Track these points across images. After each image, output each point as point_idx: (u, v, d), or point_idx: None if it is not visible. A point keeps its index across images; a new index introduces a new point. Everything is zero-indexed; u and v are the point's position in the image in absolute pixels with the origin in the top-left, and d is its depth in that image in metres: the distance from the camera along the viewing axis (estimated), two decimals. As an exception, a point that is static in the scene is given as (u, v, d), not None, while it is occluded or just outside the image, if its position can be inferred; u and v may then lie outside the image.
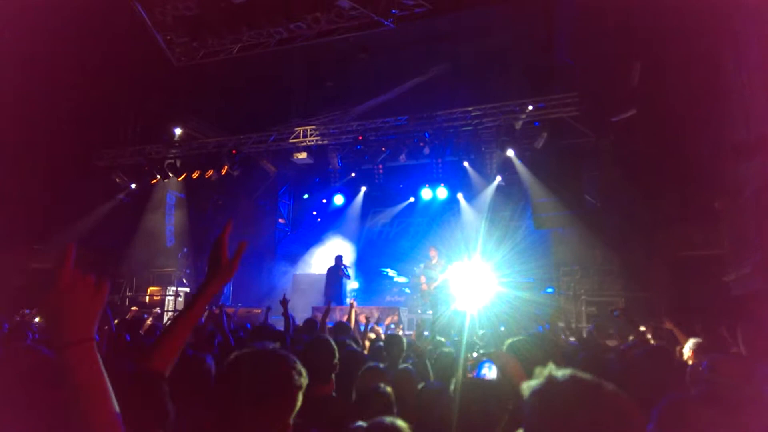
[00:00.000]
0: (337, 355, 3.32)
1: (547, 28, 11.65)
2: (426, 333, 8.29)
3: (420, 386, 3.12)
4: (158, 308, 12.77)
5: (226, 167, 13.42)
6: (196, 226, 16.08)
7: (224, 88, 14.05)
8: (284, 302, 6.52)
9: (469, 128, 11.90)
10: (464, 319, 6.77)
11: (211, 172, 13.62)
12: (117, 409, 1.22)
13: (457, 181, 13.96)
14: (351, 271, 13.98)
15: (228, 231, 1.81)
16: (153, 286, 14.21)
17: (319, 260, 15.94)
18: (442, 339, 5.89)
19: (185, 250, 15.71)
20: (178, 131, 15.07)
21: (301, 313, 10.73)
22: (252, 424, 1.54)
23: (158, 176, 14.14)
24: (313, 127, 13.18)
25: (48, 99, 11.69)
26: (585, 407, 1.20)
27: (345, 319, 7.71)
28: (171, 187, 15.64)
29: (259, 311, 12.40)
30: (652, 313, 8.12)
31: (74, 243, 1.34)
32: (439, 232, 14.53)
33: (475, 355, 4.06)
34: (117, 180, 14.41)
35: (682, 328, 5.48)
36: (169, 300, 13.74)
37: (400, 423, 1.90)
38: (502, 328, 7.18)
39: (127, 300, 13.73)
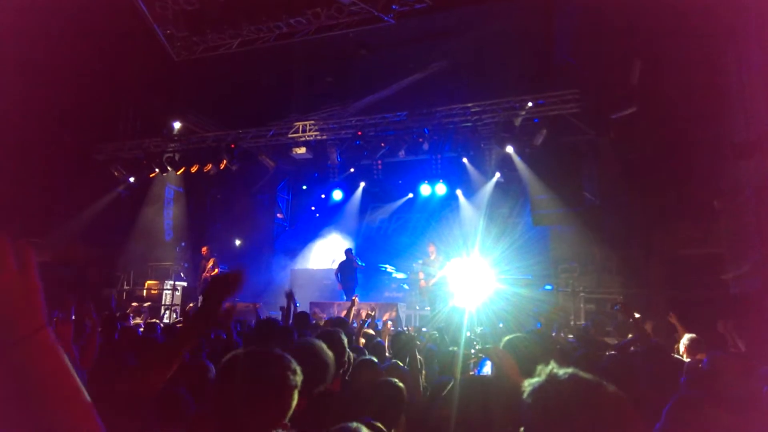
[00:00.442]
0: (347, 351, 3.30)
1: (548, 24, 11.62)
2: (424, 329, 8.31)
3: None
4: (148, 303, 12.77)
5: (224, 161, 13.41)
6: (195, 220, 16.07)
7: (224, 82, 14.00)
8: (289, 294, 6.40)
9: (469, 124, 11.89)
10: (462, 316, 6.77)
11: (209, 167, 13.60)
12: (88, 398, 1.06)
13: (456, 178, 13.95)
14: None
15: (237, 281, 1.75)
16: (151, 279, 14.20)
17: (317, 255, 15.95)
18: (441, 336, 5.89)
19: (183, 244, 15.70)
20: (177, 125, 15.04)
21: (299, 309, 10.71)
22: (249, 424, 1.53)
23: (157, 170, 14.13)
24: (312, 122, 13.16)
25: (47, 93, 11.64)
26: (585, 407, 1.20)
27: (344, 314, 7.69)
28: (169, 181, 15.62)
29: (258, 306, 12.40)
30: (651, 311, 8.13)
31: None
32: (438, 228, 14.52)
33: (472, 351, 4.07)
34: (115, 173, 14.38)
35: (685, 323, 5.49)
36: (166, 294, 13.75)
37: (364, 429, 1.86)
38: (501, 325, 7.19)
39: (125, 294, 13.73)
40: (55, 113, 12.36)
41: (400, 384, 2.89)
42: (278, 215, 17.25)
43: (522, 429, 1.87)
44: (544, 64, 11.85)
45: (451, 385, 2.80)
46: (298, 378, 1.66)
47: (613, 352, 4.69)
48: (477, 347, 4.70)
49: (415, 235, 14.87)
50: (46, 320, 1.04)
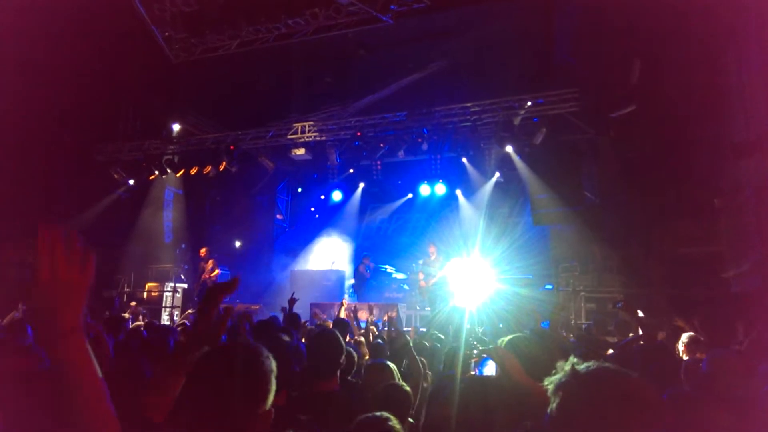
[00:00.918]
0: (344, 351, 3.29)
1: (547, 24, 11.62)
2: (422, 329, 8.30)
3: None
4: (145, 306, 12.76)
5: (224, 163, 13.40)
6: (194, 222, 16.07)
7: (222, 83, 14.00)
8: (292, 301, 6.54)
9: (468, 124, 11.88)
10: (463, 316, 6.76)
11: (209, 168, 13.60)
12: (110, 402, 1.19)
13: (456, 177, 13.93)
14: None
15: (230, 290, 1.76)
16: (151, 282, 14.20)
17: (317, 256, 15.94)
18: (441, 336, 5.89)
19: (183, 246, 15.69)
20: (176, 127, 15.03)
21: (298, 309, 10.66)
22: (229, 413, 1.52)
23: (156, 172, 14.12)
24: (312, 123, 13.15)
25: (46, 94, 11.64)
26: (616, 396, 1.20)
27: (344, 316, 7.69)
28: (169, 183, 15.62)
29: (257, 307, 12.39)
30: (651, 309, 8.12)
31: (61, 227, 1.24)
32: (438, 228, 14.52)
33: (475, 352, 4.06)
34: (115, 176, 14.37)
35: (691, 326, 5.47)
36: (167, 296, 13.74)
37: (391, 417, 1.89)
38: (501, 325, 7.18)
39: (125, 296, 13.72)
40: (54, 115, 12.36)
41: (407, 388, 2.90)
42: (278, 216, 17.25)
43: (528, 423, 1.87)
44: (544, 63, 11.84)
45: (450, 385, 2.80)
46: (272, 363, 1.66)
47: (611, 351, 4.68)
48: (478, 347, 4.68)
49: (415, 236, 14.87)
50: (80, 323, 1.20)
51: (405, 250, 14.13)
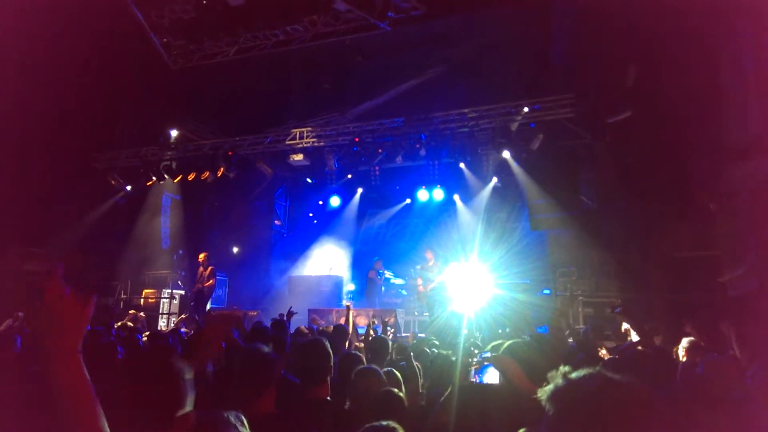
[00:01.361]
0: (332, 357, 3.31)
1: (544, 30, 11.68)
2: (421, 335, 8.30)
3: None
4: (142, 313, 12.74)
5: (222, 169, 13.40)
6: (192, 228, 16.06)
7: (221, 90, 14.04)
8: (290, 314, 6.60)
9: (465, 130, 11.92)
10: (461, 322, 6.77)
11: (207, 174, 13.60)
12: (104, 422, 1.27)
13: (454, 183, 13.95)
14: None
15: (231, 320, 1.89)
16: (148, 288, 14.17)
17: (315, 262, 15.94)
18: (436, 342, 5.89)
19: (180, 252, 15.67)
20: (174, 133, 15.04)
21: (297, 315, 10.68)
22: (149, 414, 1.60)
23: (154, 178, 14.12)
24: (310, 128, 13.18)
25: (44, 101, 11.64)
26: (613, 404, 1.19)
27: (342, 321, 7.70)
28: (167, 189, 15.62)
29: (255, 313, 12.38)
30: (649, 314, 8.14)
31: (62, 263, 1.41)
32: (436, 233, 14.54)
33: (476, 359, 4.06)
34: (113, 182, 14.38)
35: (699, 331, 5.47)
36: (164, 303, 13.71)
37: (397, 427, 1.91)
38: (500, 331, 7.19)
39: (122, 302, 13.69)
40: (52, 121, 12.36)
41: (401, 394, 2.90)
42: (276, 222, 17.24)
43: (523, 430, 1.87)
44: (540, 69, 11.90)
45: (448, 391, 2.80)
46: (182, 364, 1.70)
47: (607, 356, 4.69)
48: (476, 353, 4.69)
49: (413, 241, 14.88)
50: (79, 347, 1.32)
51: (403, 255, 14.14)
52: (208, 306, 12.67)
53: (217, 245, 15.77)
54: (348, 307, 7.54)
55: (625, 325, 6.20)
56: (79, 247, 13.35)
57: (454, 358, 4.10)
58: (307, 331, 6.98)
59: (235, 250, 16.42)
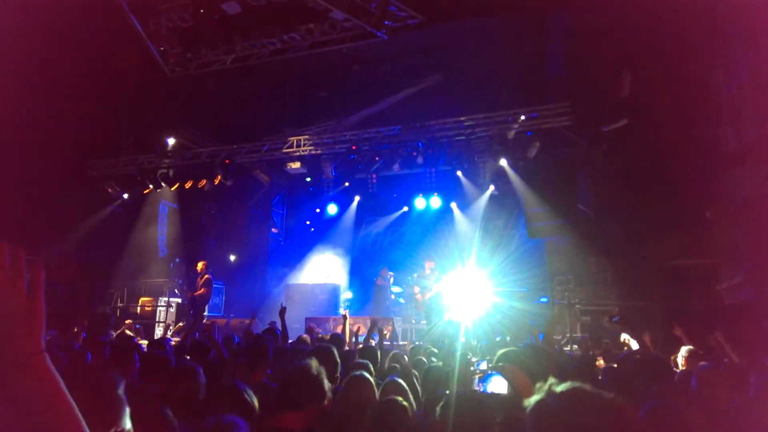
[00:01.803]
0: (340, 367, 3.28)
1: (540, 38, 11.74)
2: (418, 343, 8.27)
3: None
4: (138, 321, 12.66)
5: (219, 177, 13.39)
6: (189, 236, 16.02)
7: (218, 98, 14.05)
8: (282, 311, 6.50)
9: (462, 138, 11.94)
10: (458, 330, 6.75)
11: (204, 182, 13.58)
12: (84, 427, 1.04)
13: (451, 191, 13.96)
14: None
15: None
16: (145, 296, 14.11)
17: (312, 270, 15.90)
18: (435, 350, 5.87)
19: (177, 260, 15.62)
20: (171, 141, 15.04)
21: (294, 323, 10.66)
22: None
23: (151, 186, 14.09)
24: (307, 137, 13.19)
25: (41, 109, 11.64)
26: (585, 418, 1.19)
27: (339, 330, 7.66)
28: (164, 197, 15.59)
29: (252, 321, 12.29)
30: (647, 322, 8.12)
31: (4, 243, 1.05)
32: (433, 241, 14.52)
33: (482, 367, 4.04)
34: (109, 190, 14.34)
35: (689, 335, 5.48)
36: (160, 311, 13.65)
37: None
38: (498, 339, 7.17)
39: (119, 311, 13.62)
40: (49, 129, 12.34)
41: (405, 403, 2.88)
42: (273, 230, 17.22)
43: None
44: (537, 77, 11.95)
45: (443, 401, 2.78)
46: (120, 382, 1.68)
47: (604, 365, 4.68)
48: (473, 361, 4.67)
49: (411, 249, 14.86)
50: (43, 346, 1.02)
51: (400, 263, 14.11)
52: (205, 314, 12.60)
53: (214, 253, 15.73)
54: (345, 316, 7.49)
55: (624, 336, 6.19)
56: (75, 254, 13.31)
57: (449, 369, 4.09)
58: (309, 339, 6.96)
59: (232, 258, 16.38)
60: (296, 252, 16.71)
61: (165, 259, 15.63)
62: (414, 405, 3.57)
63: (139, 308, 13.76)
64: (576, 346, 9.21)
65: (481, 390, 3.59)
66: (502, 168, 12.31)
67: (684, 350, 5.06)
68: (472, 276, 11.60)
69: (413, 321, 12.84)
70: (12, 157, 11.23)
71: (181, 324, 12.83)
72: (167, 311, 13.66)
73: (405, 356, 5.59)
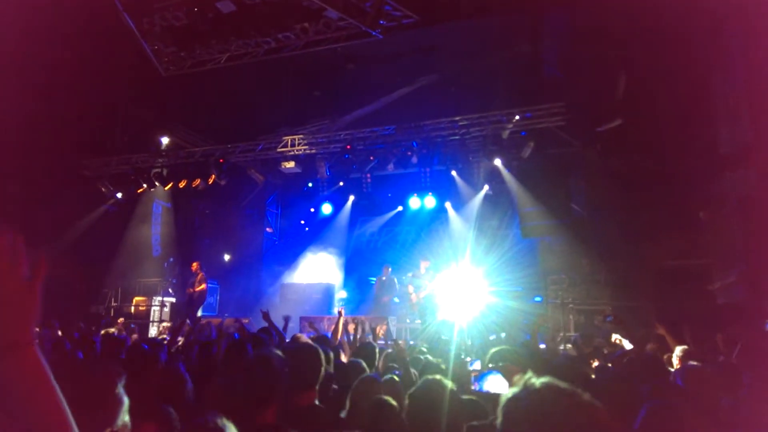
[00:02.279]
0: (323, 364, 3.28)
1: (535, 38, 11.76)
2: (411, 342, 8.27)
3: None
4: (132, 321, 12.62)
5: (213, 176, 13.36)
6: (183, 235, 15.97)
7: (212, 97, 14.01)
8: (266, 315, 6.46)
9: (457, 138, 11.96)
10: (452, 329, 6.76)
11: (198, 182, 13.54)
12: (72, 420, 1.04)
13: (445, 190, 13.98)
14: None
15: None
16: (139, 296, 14.07)
17: (307, 269, 15.88)
18: (424, 349, 5.87)
19: (171, 259, 15.57)
20: (165, 140, 14.99)
21: (289, 323, 10.62)
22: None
23: (145, 185, 14.04)
24: (301, 136, 13.17)
25: (33, 108, 11.56)
26: (558, 414, 1.20)
27: (332, 329, 7.64)
28: (157, 197, 15.53)
29: (247, 321, 12.29)
30: (640, 322, 8.16)
31: (6, 232, 1.07)
32: (428, 241, 14.54)
33: (476, 366, 4.05)
34: (103, 189, 14.28)
35: (674, 335, 5.51)
36: (155, 310, 13.61)
37: None
38: (492, 338, 7.18)
39: (113, 310, 13.57)
40: (42, 127, 12.27)
41: (393, 402, 2.88)
42: (267, 229, 17.19)
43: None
44: (531, 77, 11.97)
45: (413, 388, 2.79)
46: (120, 379, 1.65)
47: (599, 364, 4.69)
48: (467, 360, 4.68)
49: (405, 248, 14.87)
50: (34, 336, 1.03)
51: (395, 262, 14.10)
52: (199, 313, 12.59)
53: (208, 253, 15.69)
54: (340, 313, 7.46)
55: (615, 336, 6.22)
56: (68, 254, 13.23)
57: (444, 366, 4.09)
58: (306, 338, 6.94)
59: (227, 257, 16.34)
60: (291, 251, 16.68)
61: (159, 259, 15.58)
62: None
63: (133, 308, 13.71)
64: (570, 345, 9.25)
65: (477, 389, 3.60)
66: (496, 168, 12.34)
67: (678, 350, 5.09)
68: (467, 275, 11.61)
69: (407, 320, 12.84)
70: (4, 157, 11.16)
71: (166, 324, 12.84)
72: (161, 310, 13.62)
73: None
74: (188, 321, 11.46)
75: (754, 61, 7.72)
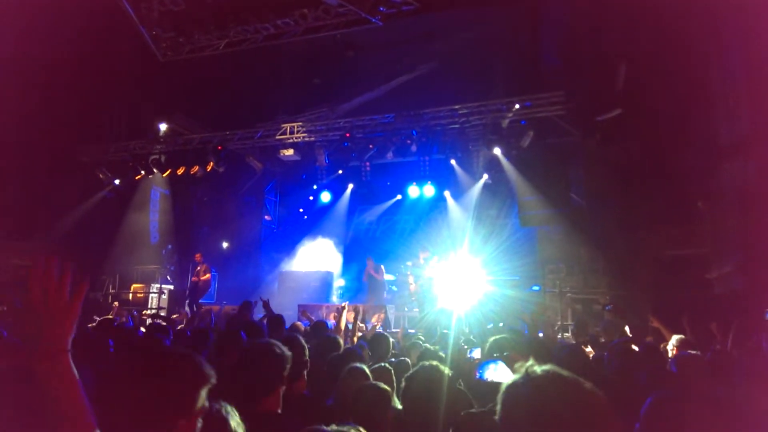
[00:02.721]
0: (307, 352, 3.29)
1: (535, 28, 11.70)
2: (411, 331, 8.30)
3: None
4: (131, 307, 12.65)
5: (211, 163, 13.32)
6: (181, 222, 15.95)
7: (210, 83, 13.92)
8: (265, 303, 6.53)
9: (456, 126, 11.92)
10: (450, 318, 6.77)
11: (196, 168, 13.50)
12: (94, 421, 1.24)
13: (444, 179, 13.95)
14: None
15: None
16: (137, 283, 14.09)
17: (305, 257, 15.89)
18: (421, 338, 5.90)
19: (169, 246, 15.57)
20: (163, 127, 14.91)
21: (287, 311, 10.67)
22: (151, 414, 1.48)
23: (143, 172, 14.01)
24: (300, 123, 13.12)
25: (31, 94, 11.50)
26: (559, 402, 1.20)
27: (332, 317, 7.65)
28: (155, 184, 15.48)
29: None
30: (637, 311, 8.20)
31: (55, 257, 1.32)
32: (426, 229, 14.54)
33: (475, 355, 4.06)
34: (101, 176, 14.23)
35: (668, 325, 5.53)
36: (152, 297, 13.63)
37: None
38: (490, 326, 7.20)
39: (110, 297, 13.58)
40: (40, 114, 12.20)
41: (385, 387, 2.88)
42: (266, 217, 17.16)
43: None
44: (531, 66, 11.92)
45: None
46: (210, 372, 1.63)
47: (597, 354, 4.71)
48: (465, 348, 4.69)
49: (404, 237, 14.88)
50: (67, 346, 1.28)
51: (393, 251, 14.12)
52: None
53: (207, 240, 15.69)
54: (344, 307, 7.43)
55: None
56: (66, 241, 13.22)
57: (442, 354, 4.10)
58: (303, 327, 6.95)
59: (225, 245, 16.33)
60: (289, 239, 16.67)
61: (157, 246, 15.57)
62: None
63: (131, 295, 13.73)
64: (568, 334, 9.30)
65: (478, 377, 3.60)
66: (495, 157, 12.31)
67: (674, 339, 5.12)
68: (465, 264, 11.63)
69: (406, 309, 12.88)
70: (2, 144, 11.11)
71: (155, 310, 12.89)
72: (159, 298, 13.64)
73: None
74: (193, 309, 11.56)
75: (753, 54, 7.70)
